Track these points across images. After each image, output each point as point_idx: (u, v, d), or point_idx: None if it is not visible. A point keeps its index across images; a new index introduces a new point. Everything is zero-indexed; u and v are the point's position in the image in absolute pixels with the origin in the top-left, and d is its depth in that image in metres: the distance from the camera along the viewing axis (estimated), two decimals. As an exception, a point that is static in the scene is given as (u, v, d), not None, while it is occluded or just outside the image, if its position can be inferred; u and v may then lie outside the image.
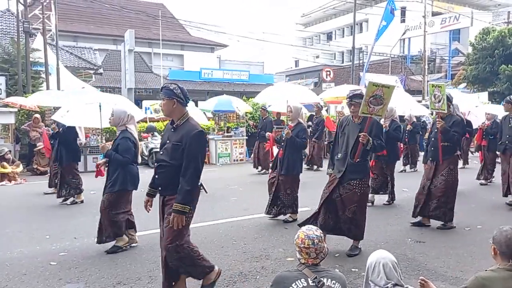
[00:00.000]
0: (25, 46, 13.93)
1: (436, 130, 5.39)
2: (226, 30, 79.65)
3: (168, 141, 3.32)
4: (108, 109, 5.31)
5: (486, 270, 2.39)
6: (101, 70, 20.60)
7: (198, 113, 9.31)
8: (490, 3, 38.82)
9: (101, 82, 23.09)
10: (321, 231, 2.67)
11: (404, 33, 29.62)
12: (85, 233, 5.36)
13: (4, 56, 15.20)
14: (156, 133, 12.37)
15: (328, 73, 25.75)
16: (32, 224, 5.87)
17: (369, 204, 6.86)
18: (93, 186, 8.61)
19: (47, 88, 14.58)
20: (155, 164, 3.42)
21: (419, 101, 17.22)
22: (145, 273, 3.98)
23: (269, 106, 11.68)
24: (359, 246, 4.51)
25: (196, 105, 19.68)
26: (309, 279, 2.42)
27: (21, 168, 10.36)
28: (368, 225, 5.55)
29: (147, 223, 5.69)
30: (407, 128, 10.22)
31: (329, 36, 46.21)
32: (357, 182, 4.34)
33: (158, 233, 5.17)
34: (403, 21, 33.79)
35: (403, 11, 33.97)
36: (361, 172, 4.38)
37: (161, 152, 3.39)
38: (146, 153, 11.97)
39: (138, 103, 17.25)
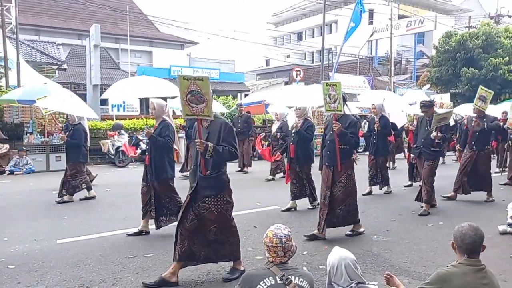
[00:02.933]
0: (-18, 39, 13.24)
1: (331, 132, 4.98)
2: (196, 27, 78.77)
3: None
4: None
5: (447, 266, 2.46)
6: (65, 66, 19.88)
7: (86, 108, 7.81)
8: (453, 8, 40.43)
9: (65, 78, 22.27)
10: (289, 230, 2.66)
11: (371, 35, 30.33)
12: (46, 235, 5.15)
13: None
14: (123, 131, 12.08)
15: (298, 72, 25.99)
16: (-12, 226, 5.58)
17: (292, 209, 6.36)
18: (55, 186, 8.30)
19: (6, 83, 13.92)
20: None
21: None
22: (109, 275, 3.85)
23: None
24: (241, 268, 3.81)
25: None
26: (277, 277, 2.45)
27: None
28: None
29: (110, 225, 5.54)
30: None
31: (299, 36, 46.67)
32: (212, 200, 3.59)
33: (123, 234, 5.09)
34: (371, 23, 34.61)
35: (371, 13, 34.81)
36: (215, 188, 3.61)
37: None
38: (113, 151, 11.66)
39: (105, 100, 16.80)
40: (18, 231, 5.34)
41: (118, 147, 11.53)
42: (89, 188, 7.31)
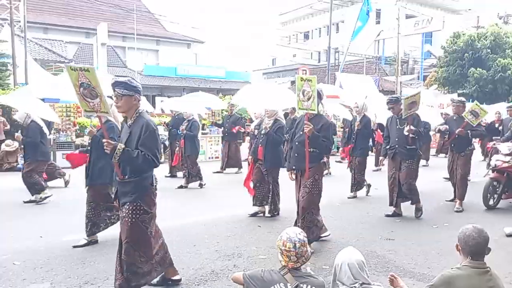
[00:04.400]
0: (-9, 37, 13.40)
1: (301, 133, 4.56)
2: (202, 26, 79.19)
3: None
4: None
5: (452, 268, 2.44)
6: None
7: (44, 107, 7.43)
8: (461, 8, 40.08)
9: (73, 76, 22.44)
10: (305, 235, 2.62)
11: (378, 35, 30.16)
12: (52, 232, 5.19)
13: (-32, 47, 14.57)
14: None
15: (305, 72, 25.95)
16: (-5, 222, 5.63)
17: (260, 214, 5.92)
18: (62, 183, 8.34)
19: (14, 81, 14.07)
20: None
21: None
22: (113, 273, 3.86)
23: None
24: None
25: (171, 102, 19.54)
26: (288, 284, 2.44)
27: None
28: (340, 223, 5.64)
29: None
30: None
31: (306, 35, 46.55)
32: (128, 207, 3.18)
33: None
34: (378, 22, 34.42)
35: (378, 13, 34.62)
36: (132, 194, 3.17)
37: None
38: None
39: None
40: (24, 227, 5.40)
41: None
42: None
